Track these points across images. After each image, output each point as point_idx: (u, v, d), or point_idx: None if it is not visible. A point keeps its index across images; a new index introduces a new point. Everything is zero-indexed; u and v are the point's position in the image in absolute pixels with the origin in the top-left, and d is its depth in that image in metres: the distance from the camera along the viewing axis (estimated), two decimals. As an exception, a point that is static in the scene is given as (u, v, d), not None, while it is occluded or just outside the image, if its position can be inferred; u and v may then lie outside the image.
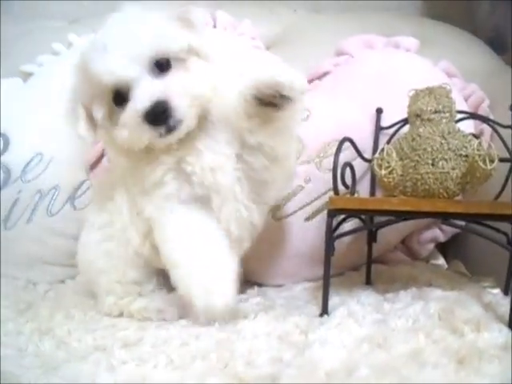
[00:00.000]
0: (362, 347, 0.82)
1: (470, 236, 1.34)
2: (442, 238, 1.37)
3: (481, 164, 0.94)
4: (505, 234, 1.03)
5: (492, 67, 1.56)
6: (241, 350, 0.84)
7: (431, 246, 1.38)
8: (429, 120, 1.03)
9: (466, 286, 1.07)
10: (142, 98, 0.92)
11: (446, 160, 0.99)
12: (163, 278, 1.09)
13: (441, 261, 1.42)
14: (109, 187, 1.14)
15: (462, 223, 1.06)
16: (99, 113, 0.98)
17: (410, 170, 1.00)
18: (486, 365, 0.74)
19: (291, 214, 1.29)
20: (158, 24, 0.96)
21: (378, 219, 1.13)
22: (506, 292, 1.04)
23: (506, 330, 0.85)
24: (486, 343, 0.81)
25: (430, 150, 0.99)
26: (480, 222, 1.03)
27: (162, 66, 0.96)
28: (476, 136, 1.06)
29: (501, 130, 1.12)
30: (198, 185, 0.99)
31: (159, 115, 0.92)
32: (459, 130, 1.03)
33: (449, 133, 1.00)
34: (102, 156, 1.41)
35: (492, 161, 0.94)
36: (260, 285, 1.29)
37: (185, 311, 1.04)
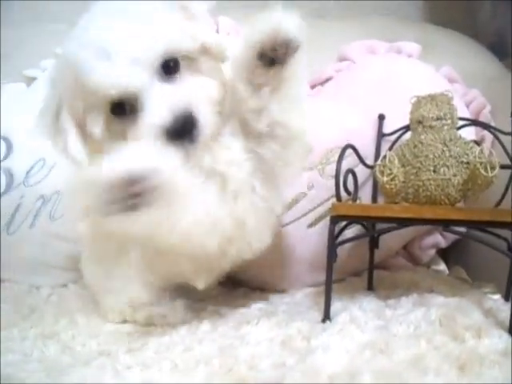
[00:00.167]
0: (364, 353, 0.82)
1: (471, 242, 1.34)
2: (443, 243, 1.37)
3: (482, 171, 0.95)
4: (505, 240, 1.03)
5: (493, 72, 1.56)
6: (244, 356, 0.84)
7: (432, 251, 1.39)
8: (430, 127, 1.03)
9: (466, 292, 1.07)
10: (159, 110, 0.81)
11: (447, 167, 0.99)
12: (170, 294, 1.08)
13: (442, 266, 1.42)
14: None
15: (463, 230, 1.07)
16: (96, 126, 0.85)
17: (412, 177, 1.01)
18: (486, 371, 0.74)
19: (294, 221, 1.29)
20: (163, 18, 0.85)
21: (380, 225, 1.13)
22: (506, 298, 1.05)
23: (506, 335, 0.86)
24: (487, 349, 0.81)
25: (431, 156, 1.00)
26: (481, 228, 1.03)
27: (169, 67, 0.85)
28: (477, 143, 1.07)
29: (502, 137, 1.13)
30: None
31: (184, 129, 0.82)
32: (460, 136, 1.03)
33: (450, 140, 1.01)
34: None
35: (493, 168, 0.94)
36: (262, 290, 1.29)
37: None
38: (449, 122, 1.03)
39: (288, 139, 0.93)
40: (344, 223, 1.07)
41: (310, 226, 1.29)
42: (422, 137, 1.03)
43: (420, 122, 1.05)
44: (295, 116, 0.92)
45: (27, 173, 1.44)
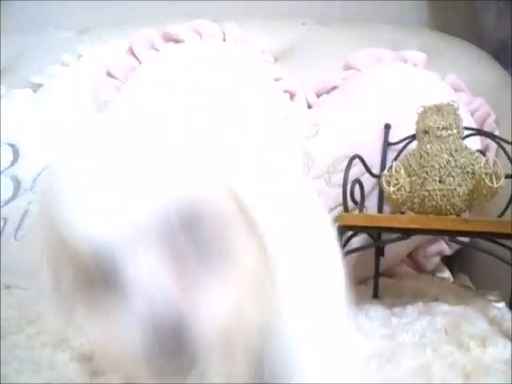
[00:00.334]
0: (372, 362, 0.82)
1: (475, 250, 1.34)
2: (447, 251, 1.37)
3: (487, 182, 0.95)
4: (510, 249, 1.04)
5: (498, 80, 1.56)
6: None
7: (437, 259, 1.39)
8: (436, 137, 1.04)
9: (471, 301, 1.08)
10: (143, 295, 0.46)
11: (453, 177, 1.00)
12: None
13: (446, 274, 1.42)
14: None
15: (467, 239, 1.07)
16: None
17: (418, 187, 1.01)
18: (491, 380, 0.75)
19: (300, 230, 1.29)
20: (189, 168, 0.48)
21: (387, 235, 1.13)
22: (510, 306, 1.05)
23: (510, 345, 0.86)
24: (492, 358, 0.82)
25: (437, 166, 1.01)
26: (488, 239, 1.04)
27: None
28: (482, 153, 1.08)
29: (506, 146, 1.14)
30: None
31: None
32: (466, 147, 1.04)
33: (456, 150, 1.02)
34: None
35: (498, 178, 0.95)
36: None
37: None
38: (454, 132, 1.04)
39: None
40: (351, 233, 1.08)
41: (317, 234, 1.29)
42: (428, 147, 1.04)
43: (426, 132, 1.05)
44: None
45: (34, 179, 1.44)
